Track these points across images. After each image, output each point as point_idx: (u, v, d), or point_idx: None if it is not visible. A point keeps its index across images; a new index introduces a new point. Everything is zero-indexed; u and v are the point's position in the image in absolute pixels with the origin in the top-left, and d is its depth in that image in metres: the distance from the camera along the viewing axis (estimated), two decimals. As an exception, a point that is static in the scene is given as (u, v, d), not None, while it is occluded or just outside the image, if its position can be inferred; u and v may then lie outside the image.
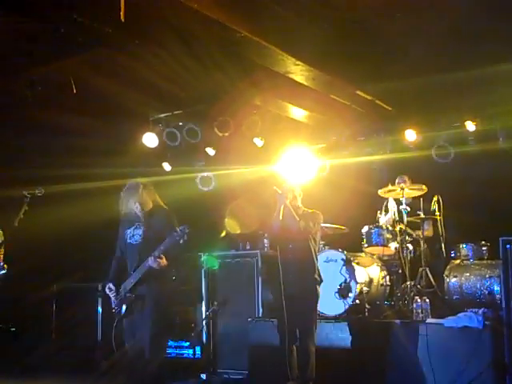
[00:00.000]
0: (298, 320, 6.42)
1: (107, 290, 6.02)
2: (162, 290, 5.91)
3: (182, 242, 5.69)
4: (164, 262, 5.77)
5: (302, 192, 6.85)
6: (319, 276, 6.55)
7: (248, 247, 8.39)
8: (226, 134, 8.58)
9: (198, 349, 7.90)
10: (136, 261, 5.88)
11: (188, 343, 7.99)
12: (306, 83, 7.55)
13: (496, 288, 6.88)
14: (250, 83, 7.73)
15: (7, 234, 5.90)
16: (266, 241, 8.30)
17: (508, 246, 6.47)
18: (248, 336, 7.49)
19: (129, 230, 6.11)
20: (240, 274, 8.05)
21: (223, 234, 9.09)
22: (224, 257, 8.33)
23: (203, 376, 7.63)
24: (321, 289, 6.52)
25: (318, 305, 6.55)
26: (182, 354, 8.03)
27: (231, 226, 9.06)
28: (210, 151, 9.15)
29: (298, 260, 6.49)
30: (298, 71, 7.21)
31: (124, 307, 5.89)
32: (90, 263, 6.17)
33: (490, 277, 6.97)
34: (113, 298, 5.99)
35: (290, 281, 6.44)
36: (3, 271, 5.67)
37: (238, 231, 8.99)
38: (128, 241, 6.09)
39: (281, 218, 6.51)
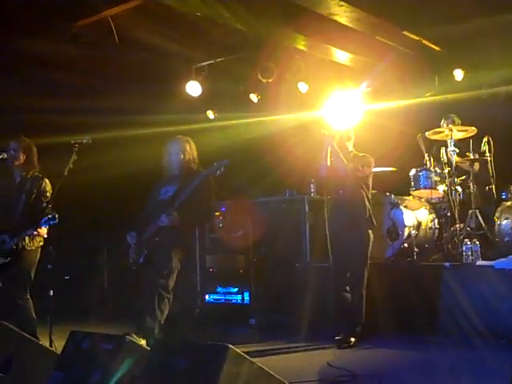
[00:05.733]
0: (350, 265, 6.42)
1: (129, 238, 6.09)
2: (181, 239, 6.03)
3: (218, 173, 5.73)
4: (176, 218, 5.81)
5: (353, 136, 6.75)
6: (372, 221, 6.50)
7: (295, 193, 8.35)
8: (270, 80, 8.50)
9: (246, 294, 7.97)
10: (158, 216, 5.92)
11: (236, 289, 8.06)
12: (350, 25, 7.39)
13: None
14: (293, 27, 7.62)
15: (57, 184, 5.96)
16: (312, 186, 8.25)
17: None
18: (296, 281, 7.55)
19: (164, 188, 6.15)
20: (287, 220, 8.04)
21: None
22: (270, 202, 8.32)
23: (252, 321, 7.71)
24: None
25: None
26: (231, 300, 8.12)
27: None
28: (254, 98, 9.10)
29: (349, 205, 6.43)
30: (341, 12, 7.05)
31: (143, 257, 5.97)
32: (138, 212, 6.23)
33: (541, 218, 6.84)
34: (133, 246, 6.08)
35: (340, 226, 6.41)
36: (55, 221, 5.75)
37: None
38: (160, 197, 6.13)
39: (328, 161, 6.45)
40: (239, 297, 8.03)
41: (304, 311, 7.15)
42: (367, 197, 6.49)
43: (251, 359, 3.46)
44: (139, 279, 6.13)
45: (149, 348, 3.90)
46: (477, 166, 7.57)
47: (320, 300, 7.08)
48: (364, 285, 6.42)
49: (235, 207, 8.20)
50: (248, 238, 7.92)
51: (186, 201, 5.87)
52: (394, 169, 7.82)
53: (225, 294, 8.14)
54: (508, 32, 7.37)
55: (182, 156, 6.15)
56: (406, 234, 7.22)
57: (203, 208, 6.06)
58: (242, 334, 7.37)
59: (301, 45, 8.22)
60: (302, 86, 8.67)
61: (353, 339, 6.31)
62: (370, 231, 6.44)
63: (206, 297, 8.29)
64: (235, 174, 6.94)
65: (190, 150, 6.23)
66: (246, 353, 3.49)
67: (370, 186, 6.63)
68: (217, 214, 8.13)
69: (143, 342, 5.43)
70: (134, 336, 5.50)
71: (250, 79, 8.73)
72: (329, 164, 6.46)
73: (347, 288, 6.48)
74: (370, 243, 6.44)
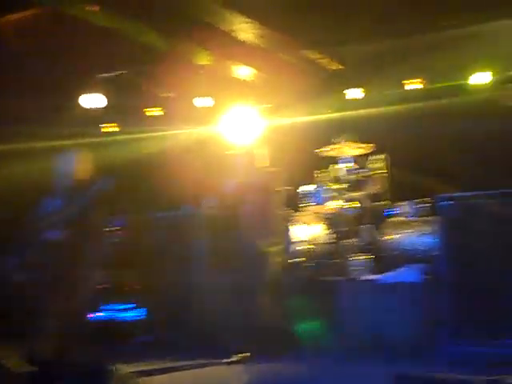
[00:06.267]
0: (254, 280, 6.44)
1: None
2: None
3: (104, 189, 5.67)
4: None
5: (260, 151, 6.79)
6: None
7: (191, 208, 8.32)
8: (171, 95, 8.49)
9: (140, 311, 7.86)
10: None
11: (130, 305, 7.94)
12: (254, 41, 7.48)
13: (433, 244, 7.00)
14: (197, 42, 7.64)
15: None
16: (209, 201, 8.24)
17: (445, 202, 6.56)
18: (193, 297, 7.50)
19: (52, 202, 6.01)
20: (183, 235, 8.01)
21: None
22: (167, 217, 8.26)
23: (147, 338, 7.62)
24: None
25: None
26: (124, 317, 7.98)
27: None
28: (155, 112, 9.06)
29: (259, 220, 6.47)
30: (246, 29, 7.13)
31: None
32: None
33: (428, 233, 7.08)
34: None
35: (250, 241, 6.44)
36: None
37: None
38: (48, 211, 5.99)
39: (239, 178, 6.47)
40: (133, 313, 7.92)
41: (201, 327, 7.15)
42: (277, 210, 6.57)
43: (140, 378, 3.41)
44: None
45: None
46: (370, 182, 7.77)
47: (216, 316, 7.09)
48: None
49: (132, 222, 8.12)
50: (144, 253, 7.84)
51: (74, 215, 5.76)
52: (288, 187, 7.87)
53: (118, 310, 8.01)
54: (405, 54, 7.61)
55: (72, 170, 6.02)
56: (300, 248, 7.32)
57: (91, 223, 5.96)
58: (136, 352, 7.24)
59: (204, 60, 8.24)
60: (204, 102, 8.68)
61: (243, 356, 6.34)
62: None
63: (98, 313, 8.13)
64: (132, 188, 6.89)
65: (82, 163, 6.10)
66: (138, 372, 3.43)
67: (281, 201, 6.72)
68: (112, 229, 8.00)
69: None
70: None
71: (152, 93, 8.69)
72: (237, 180, 6.49)
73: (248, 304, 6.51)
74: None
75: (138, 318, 7.86)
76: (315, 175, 7.82)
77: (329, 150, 7.76)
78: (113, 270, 7.87)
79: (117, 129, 9.55)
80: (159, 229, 8.02)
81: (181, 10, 6.81)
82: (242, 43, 7.48)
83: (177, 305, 7.58)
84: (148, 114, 9.02)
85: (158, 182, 8.74)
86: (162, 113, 9.12)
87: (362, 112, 8.47)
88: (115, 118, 9.45)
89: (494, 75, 7.74)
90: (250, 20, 6.85)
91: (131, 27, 7.08)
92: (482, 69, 7.71)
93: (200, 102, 8.68)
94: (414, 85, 8.14)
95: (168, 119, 8.98)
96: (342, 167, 7.64)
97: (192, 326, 7.19)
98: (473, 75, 7.69)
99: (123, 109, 8.98)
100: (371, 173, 7.71)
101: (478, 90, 7.74)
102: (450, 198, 6.58)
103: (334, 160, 7.87)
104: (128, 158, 8.58)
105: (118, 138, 9.17)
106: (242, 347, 6.38)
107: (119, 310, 7.98)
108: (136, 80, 8.60)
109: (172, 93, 8.41)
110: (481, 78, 7.66)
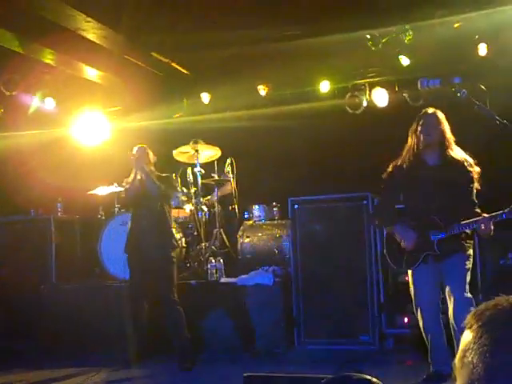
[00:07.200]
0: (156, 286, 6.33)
1: None
2: None
3: None
4: None
5: (155, 156, 6.65)
6: (176, 241, 6.58)
7: (40, 212, 8.02)
8: (14, 93, 8.09)
9: None
10: None
11: None
12: (98, 42, 7.31)
13: (285, 246, 7.25)
14: (40, 41, 7.35)
15: None
16: (59, 205, 8.00)
17: (296, 206, 6.84)
18: (41, 304, 7.23)
19: None
20: (32, 240, 7.71)
21: None
22: (13, 222, 7.91)
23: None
24: (117, 252, 6.51)
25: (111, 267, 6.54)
26: None
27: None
28: (-2, 111, 8.60)
29: (155, 226, 6.34)
30: (89, 28, 6.95)
31: None
32: None
33: (280, 236, 7.33)
34: None
35: (146, 247, 6.30)
36: None
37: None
38: None
39: (136, 183, 6.33)
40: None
41: (49, 335, 6.92)
42: (170, 216, 6.51)
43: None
44: None
45: None
46: (221, 186, 7.90)
47: (72, 323, 6.92)
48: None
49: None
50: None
51: None
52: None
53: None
54: (253, 60, 7.79)
55: None
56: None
57: None
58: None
59: (48, 59, 7.94)
60: (49, 102, 8.37)
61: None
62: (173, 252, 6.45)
63: None
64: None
65: None
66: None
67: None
68: None
69: None
70: None
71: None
72: (135, 185, 6.33)
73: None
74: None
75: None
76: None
77: (178, 154, 7.79)
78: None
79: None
80: (6, 234, 7.67)
81: (26, 7, 6.56)
82: (88, 43, 7.31)
83: (25, 313, 7.29)
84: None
85: (1, 184, 8.30)
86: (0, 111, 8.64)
87: (210, 117, 8.58)
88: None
89: (335, 84, 8.14)
90: (91, 19, 6.70)
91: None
92: (325, 78, 8.07)
93: (46, 102, 8.33)
94: (260, 91, 8.35)
95: (11, 119, 8.54)
96: (192, 171, 7.69)
97: (40, 335, 6.94)
98: (319, 83, 8.02)
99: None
100: (220, 177, 7.81)
101: (324, 97, 8.10)
102: (300, 202, 6.87)
103: (184, 164, 7.91)
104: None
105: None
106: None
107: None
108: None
109: (16, 92, 7.99)
110: (324, 86, 8.01)
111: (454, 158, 5.06)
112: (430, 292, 5.08)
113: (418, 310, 5.09)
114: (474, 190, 5.05)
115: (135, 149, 6.48)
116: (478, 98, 4.64)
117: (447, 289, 4.95)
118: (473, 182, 5.02)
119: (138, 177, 6.36)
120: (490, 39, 7.02)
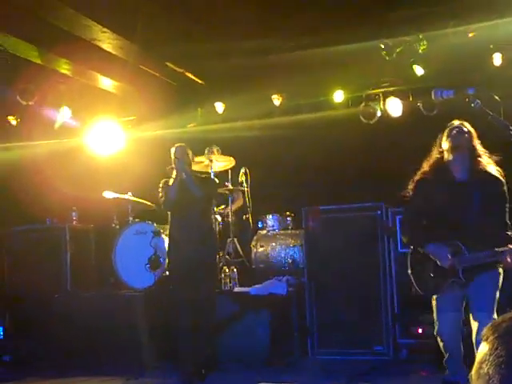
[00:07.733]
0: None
1: None
2: None
3: None
4: None
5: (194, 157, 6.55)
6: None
7: (55, 221, 8.08)
8: (31, 103, 8.15)
9: (-1, 330, 7.53)
10: None
11: None
12: (113, 52, 7.39)
13: (299, 256, 7.25)
14: (56, 51, 7.43)
15: None
16: (74, 214, 8.05)
17: (308, 216, 6.84)
18: (55, 313, 7.26)
19: None
20: (47, 249, 7.76)
21: None
22: (29, 231, 7.97)
23: (6, 358, 7.30)
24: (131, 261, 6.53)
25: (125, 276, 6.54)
26: None
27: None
28: (13, 121, 8.66)
29: (197, 230, 6.21)
30: (105, 39, 7.03)
31: None
32: None
33: (294, 246, 7.33)
34: None
35: (188, 251, 6.16)
36: None
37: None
38: None
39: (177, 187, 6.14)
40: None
41: (63, 344, 6.95)
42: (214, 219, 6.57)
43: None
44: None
45: None
46: (235, 196, 7.91)
47: (86, 332, 6.94)
48: None
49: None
50: (3, 270, 7.48)
51: None
52: (152, 205, 7.75)
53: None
54: (266, 70, 7.82)
55: None
56: (167, 262, 7.30)
57: None
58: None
59: (64, 69, 8.02)
60: (66, 112, 8.42)
61: None
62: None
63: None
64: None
65: None
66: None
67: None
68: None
69: None
70: None
71: (9, 101, 8.29)
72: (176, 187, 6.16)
73: None
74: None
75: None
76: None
77: (194, 163, 7.80)
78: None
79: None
80: (22, 243, 7.72)
81: (42, 18, 6.62)
82: (103, 53, 7.38)
83: (40, 322, 7.32)
84: (9, 122, 8.56)
85: (21, 194, 8.34)
86: (15, 121, 8.70)
87: (224, 126, 8.61)
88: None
89: (349, 94, 8.15)
90: (107, 30, 6.77)
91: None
92: (339, 87, 8.08)
93: (62, 112, 8.39)
94: (274, 100, 8.36)
95: (27, 129, 8.61)
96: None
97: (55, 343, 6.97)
98: (333, 93, 8.03)
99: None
100: (234, 187, 7.82)
101: (338, 106, 8.11)
102: (313, 212, 6.87)
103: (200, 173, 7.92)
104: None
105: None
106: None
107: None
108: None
109: (32, 101, 8.06)
110: (338, 96, 8.02)
111: (484, 172, 4.66)
112: (453, 322, 4.69)
113: (438, 337, 4.74)
114: (507, 210, 4.62)
115: (175, 149, 6.27)
116: (491, 108, 4.60)
117: (473, 310, 4.58)
118: (506, 202, 4.61)
119: (179, 178, 6.17)
120: (504, 49, 7.01)
